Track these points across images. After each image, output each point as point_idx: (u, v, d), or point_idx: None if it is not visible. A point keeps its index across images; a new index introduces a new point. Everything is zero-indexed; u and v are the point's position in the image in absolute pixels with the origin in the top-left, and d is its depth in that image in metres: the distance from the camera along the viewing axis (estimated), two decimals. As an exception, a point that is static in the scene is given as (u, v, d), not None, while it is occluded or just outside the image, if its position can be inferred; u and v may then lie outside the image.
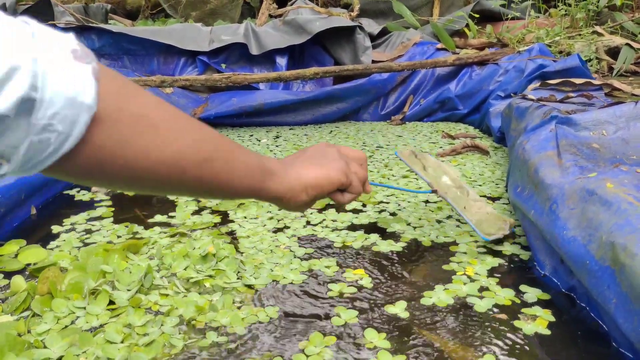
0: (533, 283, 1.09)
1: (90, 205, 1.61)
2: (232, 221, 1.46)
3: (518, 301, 1.03)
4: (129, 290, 1.06)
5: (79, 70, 0.41)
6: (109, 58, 2.99)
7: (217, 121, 2.67)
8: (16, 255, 1.24)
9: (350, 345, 0.90)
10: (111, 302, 1.03)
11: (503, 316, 0.98)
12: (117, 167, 0.46)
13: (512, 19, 3.38)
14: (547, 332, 0.93)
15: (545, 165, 1.20)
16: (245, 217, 1.48)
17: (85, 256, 1.17)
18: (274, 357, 0.87)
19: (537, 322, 0.96)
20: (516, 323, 0.95)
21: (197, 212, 1.53)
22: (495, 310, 1.00)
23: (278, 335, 0.94)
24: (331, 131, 2.61)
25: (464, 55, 2.72)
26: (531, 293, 1.05)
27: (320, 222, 1.43)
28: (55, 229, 1.42)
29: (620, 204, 0.91)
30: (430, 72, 2.83)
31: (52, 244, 1.32)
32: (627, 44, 2.68)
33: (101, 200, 1.64)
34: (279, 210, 1.52)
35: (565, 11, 3.13)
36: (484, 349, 0.89)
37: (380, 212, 1.50)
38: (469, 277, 1.12)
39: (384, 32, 3.29)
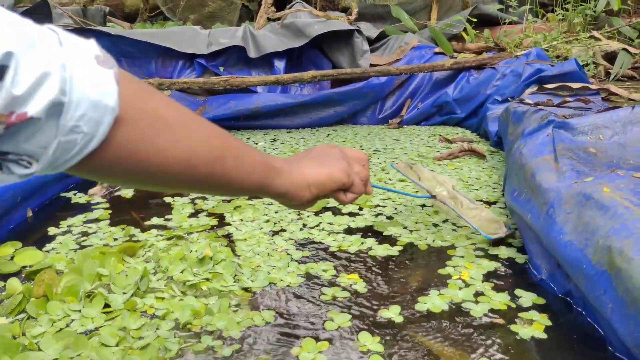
0: (529, 287, 1.09)
1: (87, 207, 1.61)
2: (228, 224, 1.45)
3: (514, 306, 1.03)
4: (124, 293, 1.06)
5: (102, 75, 0.44)
6: (107, 60, 2.98)
7: (214, 124, 2.66)
8: (12, 258, 1.23)
9: (343, 350, 0.90)
10: (107, 305, 1.02)
11: (500, 320, 0.98)
12: (135, 164, 0.49)
13: (510, 23, 3.39)
14: (544, 335, 0.93)
15: (542, 169, 1.20)
16: (241, 220, 1.48)
17: (82, 259, 1.17)
18: (270, 361, 0.87)
19: (534, 326, 0.95)
20: (512, 327, 0.95)
21: (194, 214, 1.53)
22: (491, 314, 1.00)
23: (273, 340, 0.93)
24: (328, 135, 2.61)
25: (461, 60, 2.73)
26: (526, 297, 1.05)
27: (316, 225, 1.43)
28: (51, 231, 1.42)
29: (617, 208, 0.91)
30: (427, 76, 2.83)
31: (48, 246, 1.31)
32: (624, 49, 2.69)
33: (98, 203, 1.64)
34: (276, 212, 1.52)
35: (563, 16, 3.14)
36: (479, 353, 0.88)
37: (376, 215, 1.50)
38: (464, 281, 1.12)
39: (382, 35, 3.30)
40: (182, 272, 1.14)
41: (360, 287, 1.11)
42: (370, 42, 3.16)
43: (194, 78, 2.83)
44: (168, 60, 3.00)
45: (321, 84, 2.97)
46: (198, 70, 2.96)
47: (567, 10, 3.08)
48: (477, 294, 1.07)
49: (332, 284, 1.12)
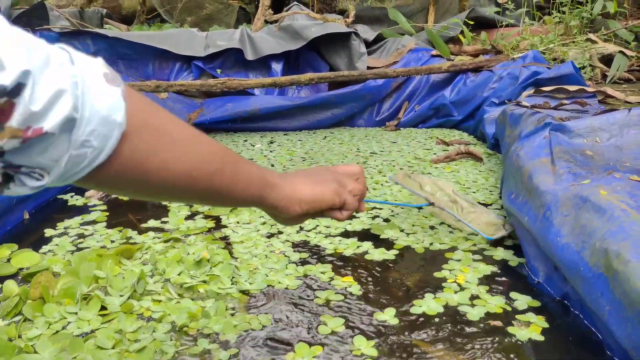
0: (526, 290, 1.09)
1: (84, 209, 1.61)
2: (225, 226, 1.45)
3: (509, 309, 1.03)
4: (121, 295, 1.06)
5: (111, 92, 0.47)
6: (104, 62, 2.98)
7: (211, 126, 2.66)
8: (8, 260, 1.23)
9: (337, 354, 0.90)
10: (103, 308, 1.02)
11: (497, 323, 0.98)
12: (140, 175, 0.52)
13: (507, 26, 3.40)
14: (541, 337, 0.93)
15: (539, 172, 1.20)
16: (238, 222, 1.47)
17: (78, 261, 1.17)
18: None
19: (531, 328, 0.95)
20: (509, 329, 0.95)
21: (190, 217, 1.53)
22: (488, 317, 1.00)
23: (269, 344, 0.93)
24: (325, 137, 2.61)
25: (458, 62, 2.73)
26: (522, 300, 1.05)
27: (313, 228, 1.43)
28: (48, 233, 1.41)
29: (614, 211, 0.91)
30: (425, 78, 2.84)
31: (45, 248, 1.31)
32: (621, 52, 2.70)
33: (95, 205, 1.63)
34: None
35: (559, 19, 3.14)
36: (476, 356, 0.88)
37: (373, 218, 1.50)
38: (459, 284, 1.12)
39: (379, 38, 3.30)
40: (179, 274, 1.14)
41: (355, 290, 1.11)
42: (368, 44, 3.16)
43: (191, 80, 2.83)
44: (165, 63, 3.00)
45: (318, 87, 2.97)
46: (195, 72, 2.96)
47: (563, 13, 3.09)
48: (473, 297, 1.07)
49: (328, 287, 1.12)
